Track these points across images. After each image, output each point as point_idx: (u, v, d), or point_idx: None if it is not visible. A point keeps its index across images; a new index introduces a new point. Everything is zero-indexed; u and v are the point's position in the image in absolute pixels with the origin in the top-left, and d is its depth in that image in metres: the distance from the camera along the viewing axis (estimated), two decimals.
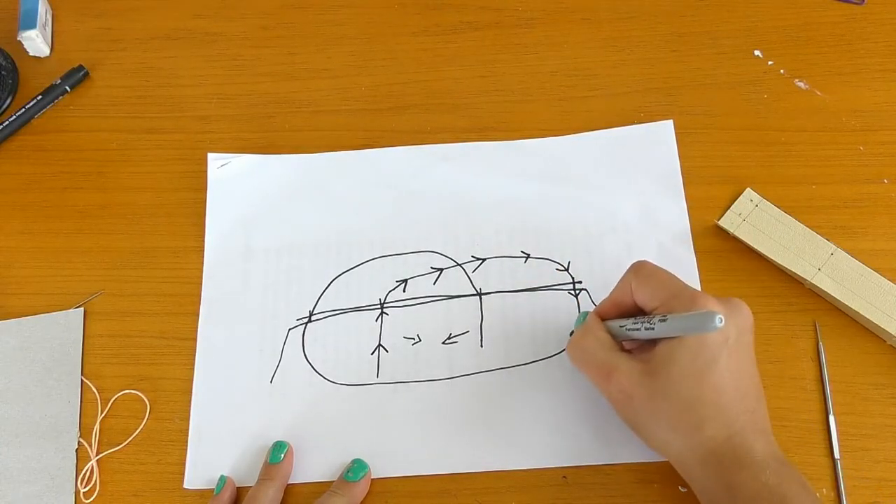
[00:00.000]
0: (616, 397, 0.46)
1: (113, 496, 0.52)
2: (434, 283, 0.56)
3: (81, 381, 0.55)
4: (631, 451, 0.50)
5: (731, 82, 0.61)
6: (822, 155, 0.58)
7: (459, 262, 0.57)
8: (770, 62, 0.62)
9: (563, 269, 0.56)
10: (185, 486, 0.52)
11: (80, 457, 0.53)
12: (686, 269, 0.55)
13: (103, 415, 0.54)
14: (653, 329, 0.44)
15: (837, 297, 0.52)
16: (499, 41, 0.65)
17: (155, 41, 0.67)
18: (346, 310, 0.56)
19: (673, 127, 0.60)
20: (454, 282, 0.56)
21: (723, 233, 0.56)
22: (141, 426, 0.54)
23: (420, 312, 0.56)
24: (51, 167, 0.63)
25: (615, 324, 0.48)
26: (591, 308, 0.54)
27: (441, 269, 0.57)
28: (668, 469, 0.48)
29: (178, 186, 0.61)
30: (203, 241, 0.59)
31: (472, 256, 0.57)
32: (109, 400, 0.55)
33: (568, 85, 0.63)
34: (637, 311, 0.48)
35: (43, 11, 0.67)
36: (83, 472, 0.53)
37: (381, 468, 0.51)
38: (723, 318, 0.40)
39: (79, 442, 0.54)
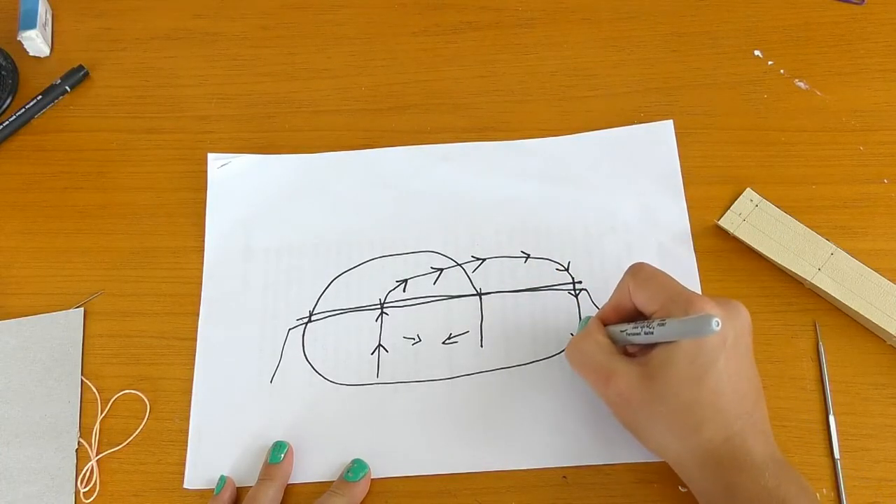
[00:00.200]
0: (614, 401, 0.46)
1: (113, 496, 0.52)
2: (434, 283, 0.56)
3: (81, 381, 0.55)
4: (631, 451, 0.50)
5: (731, 82, 0.61)
6: (822, 155, 0.58)
7: (459, 262, 0.57)
8: (770, 62, 0.62)
9: (563, 269, 0.56)
10: (185, 486, 0.52)
11: (80, 457, 0.53)
12: (686, 269, 0.55)
13: (103, 415, 0.54)
14: (652, 333, 0.44)
15: (837, 297, 0.52)
16: (499, 41, 0.65)
17: (155, 41, 0.67)
18: (346, 310, 0.56)
19: (673, 127, 0.60)
20: (454, 282, 0.56)
21: (723, 233, 0.56)
22: (141, 426, 0.54)
23: (420, 312, 0.56)
24: (51, 167, 0.63)
25: (616, 328, 0.48)
26: (592, 308, 0.55)
27: (441, 269, 0.57)
28: (667, 469, 0.48)
29: (178, 186, 0.61)
30: (203, 241, 0.59)
31: (472, 256, 0.57)
32: (109, 400, 0.55)
33: (568, 85, 0.63)
34: (638, 315, 0.48)
35: (43, 11, 0.67)
36: (83, 472, 0.53)
37: (381, 468, 0.51)
38: (719, 321, 0.40)
39: (79, 442, 0.54)
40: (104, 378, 0.55)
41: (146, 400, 0.55)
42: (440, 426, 0.52)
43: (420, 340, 0.55)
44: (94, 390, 0.55)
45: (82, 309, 0.57)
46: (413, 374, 0.54)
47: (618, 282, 0.48)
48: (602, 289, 0.55)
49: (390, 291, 0.56)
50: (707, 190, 0.58)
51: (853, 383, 0.52)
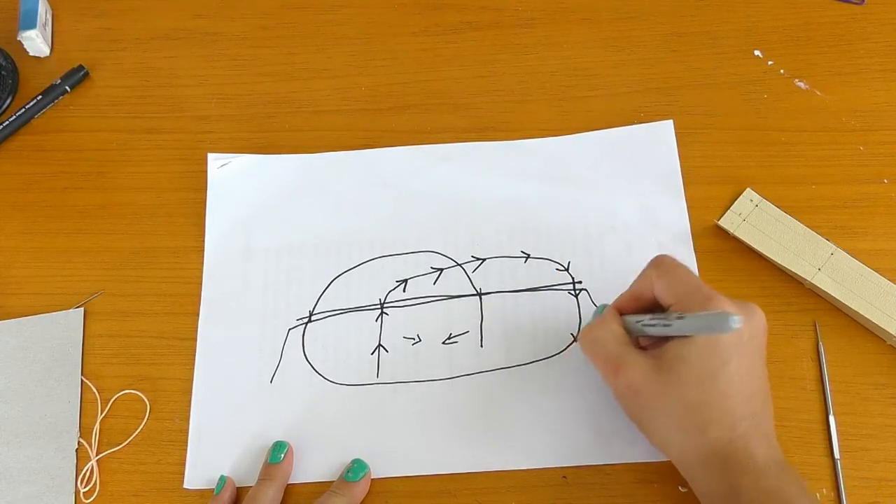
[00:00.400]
0: (623, 392, 0.46)
1: (113, 496, 0.52)
2: (434, 283, 0.56)
3: (81, 381, 0.55)
4: (631, 451, 0.50)
5: (731, 82, 0.61)
6: (822, 155, 0.58)
7: (459, 262, 0.57)
8: (770, 62, 0.62)
9: (563, 269, 0.56)
10: (185, 486, 0.52)
11: (80, 457, 0.53)
12: None
13: (103, 415, 0.54)
14: (670, 326, 0.44)
15: (837, 297, 0.52)
16: (499, 41, 0.65)
17: (155, 41, 0.67)
18: (346, 310, 0.56)
19: (673, 127, 0.60)
20: (454, 282, 0.56)
21: (723, 233, 0.56)
22: (141, 426, 0.54)
23: (420, 312, 0.56)
24: (51, 167, 0.63)
25: (632, 318, 0.47)
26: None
27: (441, 269, 0.57)
28: (667, 469, 0.48)
29: (178, 186, 0.61)
30: (203, 241, 0.59)
31: (472, 256, 0.57)
32: (109, 400, 0.55)
33: (568, 85, 0.63)
34: (655, 307, 0.47)
35: (43, 11, 0.67)
36: (83, 472, 0.53)
37: (381, 468, 0.51)
38: (740, 319, 0.40)
39: (79, 442, 0.54)
40: (104, 378, 0.55)
41: (146, 400, 0.55)
42: (440, 426, 0.52)
43: (420, 340, 0.55)
44: (94, 390, 0.55)
45: (82, 309, 0.57)
46: (413, 374, 0.54)
47: (620, 280, 0.48)
48: (602, 289, 0.55)
49: (390, 291, 0.56)
50: (707, 190, 0.58)
51: (853, 383, 0.52)
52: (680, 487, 0.49)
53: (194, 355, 0.55)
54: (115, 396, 0.55)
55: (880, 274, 0.53)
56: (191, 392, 0.54)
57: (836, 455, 0.50)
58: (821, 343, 0.53)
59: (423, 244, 0.58)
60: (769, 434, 0.45)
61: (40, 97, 0.64)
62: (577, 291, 0.55)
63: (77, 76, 0.65)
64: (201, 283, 0.58)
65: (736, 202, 0.56)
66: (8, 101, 0.65)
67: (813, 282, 0.53)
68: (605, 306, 0.50)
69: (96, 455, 0.53)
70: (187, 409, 0.54)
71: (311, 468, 0.52)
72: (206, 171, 0.61)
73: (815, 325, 0.53)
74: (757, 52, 0.62)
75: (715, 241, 0.56)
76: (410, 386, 0.54)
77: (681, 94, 0.61)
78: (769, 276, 0.55)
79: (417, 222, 0.58)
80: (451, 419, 0.52)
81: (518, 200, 0.58)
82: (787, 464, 0.44)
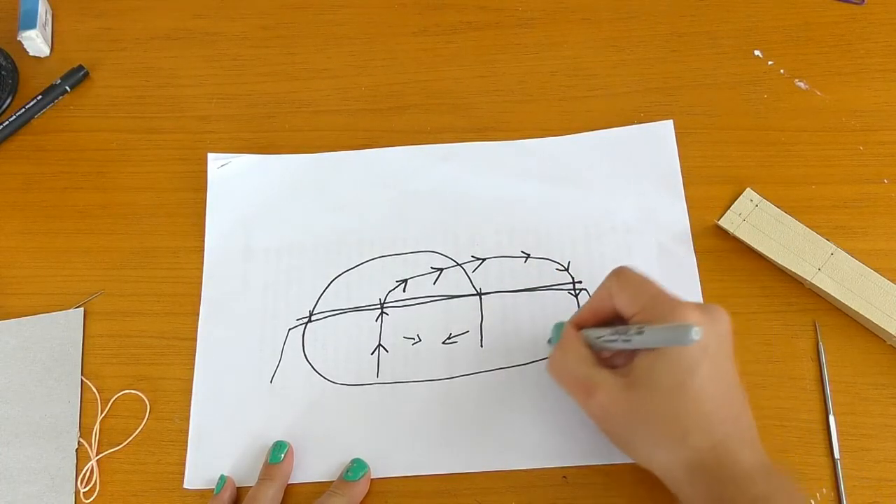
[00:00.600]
0: (598, 414, 0.46)
1: (113, 496, 0.52)
2: (434, 283, 0.56)
3: (81, 381, 0.55)
4: None
5: (731, 82, 0.61)
6: (822, 155, 0.58)
7: (459, 262, 0.57)
8: (770, 62, 0.62)
9: (563, 269, 0.56)
10: (185, 486, 0.52)
11: (80, 457, 0.53)
12: (686, 269, 0.55)
13: (103, 415, 0.54)
14: (630, 341, 0.44)
15: (837, 297, 0.52)
16: (499, 41, 0.65)
17: (155, 41, 0.67)
18: (346, 310, 0.56)
19: (673, 127, 0.60)
20: (454, 282, 0.56)
21: (723, 233, 0.56)
22: (141, 426, 0.54)
23: (420, 312, 0.56)
24: (51, 167, 0.63)
25: (593, 334, 0.47)
26: (581, 306, 0.54)
27: (441, 269, 0.57)
28: None
29: (178, 186, 0.61)
30: (203, 241, 0.59)
31: (472, 256, 0.57)
32: (109, 400, 0.55)
33: (568, 85, 0.63)
34: (616, 318, 0.47)
35: (43, 11, 0.67)
36: (83, 472, 0.53)
37: (381, 468, 0.51)
38: (699, 330, 0.39)
39: (79, 442, 0.54)
40: (104, 378, 0.55)
41: (146, 400, 0.55)
42: (440, 426, 0.52)
43: (420, 340, 0.55)
44: (94, 390, 0.55)
45: (82, 309, 0.57)
46: (413, 373, 0.54)
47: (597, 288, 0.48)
48: None
49: (390, 291, 0.56)
50: (707, 190, 0.58)
51: (853, 383, 0.52)
52: None
53: (194, 355, 0.55)
54: (115, 396, 0.55)
55: (880, 274, 0.53)
56: (191, 392, 0.54)
57: (836, 455, 0.50)
58: (821, 343, 0.53)
59: (423, 244, 0.58)
60: (753, 439, 0.44)
61: (40, 97, 0.64)
62: (577, 291, 0.55)
63: (77, 76, 0.65)
64: (201, 283, 0.58)
65: (736, 202, 0.57)
66: (8, 101, 0.65)
67: (813, 282, 0.53)
68: (562, 324, 0.50)
69: (96, 455, 0.53)
70: (187, 409, 0.54)
71: (311, 468, 0.52)
72: (206, 171, 0.61)
73: (815, 325, 0.53)
74: (757, 52, 0.62)
75: (715, 241, 0.56)
76: (410, 386, 0.54)
77: (681, 94, 0.61)
78: (769, 276, 0.55)
79: (417, 222, 0.58)
80: (451, 419, 0.52)
81: (518, 200, 0.58)
82: (774, 468, 0.43)
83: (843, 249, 0.54)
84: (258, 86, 0.65)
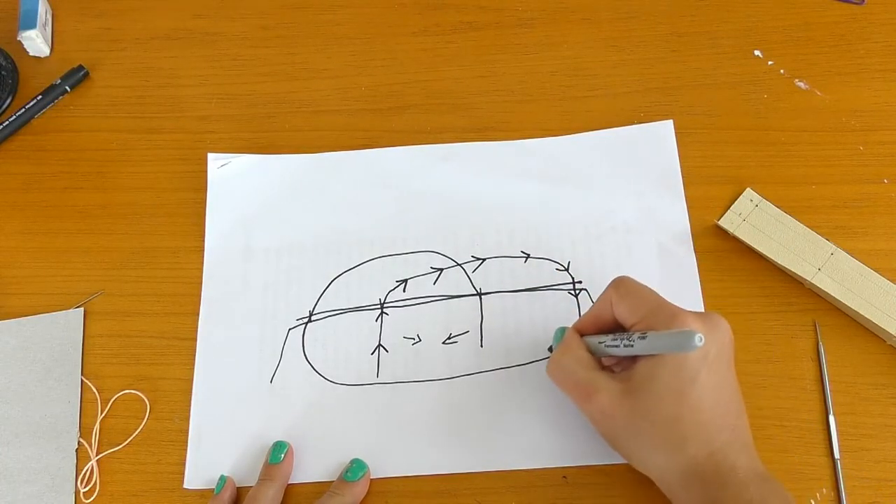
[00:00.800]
0: (597, 417, 0.46)
1: (113, 496, 0.52)
2: (434, 283, 0.56)
3: (81, 381, 0.55)
4: None
5: (731, 82, 0.61)
6: (822, 155, 0.58)
7: (459, 262, 0.57)
8: (770, 62, 0.62)
9: (563, 269, 0.56)
10: (185, 486, 0.52)
11: (80, 457, 0.53)
12: (686, 269, 0.55)
13: (103, 415, 0.54)
14: (632, 346, 0.44)
15: (837, 297, 0.52)
16: (499, 41, 0.65)
17: (155, 41, 0.67)
18: (346, 310, 0.56)
19: (673, 127, 0.60)
20: (454, 282, 0.56)
21: (723, 233, 0.56)
22: (141, 426, 0.54)
23: (420, 312, 0.56)
24: (51, 167, 0.63)
25: (594, 340, 0.47)
26: (583, 314, 0.54)
27: (441, 269, 0.57)
28: None
29: (178, 186, 0.61)
30: (203, 241, 0.59)
31: (472, 256, 0.57)
32: (109, 400, 0.55)
33: (568, 85, 0.63)
34: (617, 327, 0.47)
35: (43, 11, 0.67)
36: (83, 472, 0.53)
37: (381, 468, 0.51)
38: (702, 337, 0.40)
39: (79, 442, 0.54)
40: (104, 378, 0.55)
41: (146, 400, 0.55)
42: (440, 426, 0.52)
43: (420, 340, 0.55)
44: (94, 390, 0.55)
45: (82, 309, 0.57)
46: (413, 374, 0.54)
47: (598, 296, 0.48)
48: (602, 289, 0.54)
49: (390, 291, 0.56)
50: (707, 190, 0.58)
51: (853, 383, 0.52)
52: None
53: (194, 355, 0.55)
54: (115, 396, 0.55)
55: (880, 274, 0.53)
56: (191, 392, 0.54)
57: (836, 455, 0.50)
58: (821, 343, 0.53)
59: (423, 244, 0.58)
60: (749, 446, 0.44)
61: (40, 97, 0.64)
62: (577, 291, 0.55)
63: (77, 76, 0.65)
64: (201, 283, 0.58)
65: (736, 202, 0.57)
66: (8, 101, 0.65)
67: (813, 282, 0.53)
68: (564, 329, 0.50)
69: (96, 455, 0.53)
70: (187, 409, 0.54)
71: (311, 468, 0.52)
72: (206, 171, 0.61)
73: (815, 325, 0.53)
74: (757, 52, 0.62)
75: (715, 241, 0.56)
76: (410, 386, 0.54)
77: (681, 94, 0.61)
78: (769, 276, 0.55)
79: (417, 222, 0.58)
80: (450, 419, 0.52)
81: (518, 200, 0.58)
82: (768, 475, 0.43)
83: (843, 249, 0.54)
84: (258, 86, 0.65)
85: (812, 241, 0.55)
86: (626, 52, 0.63)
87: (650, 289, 0.47)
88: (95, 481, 0.53)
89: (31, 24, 0.65)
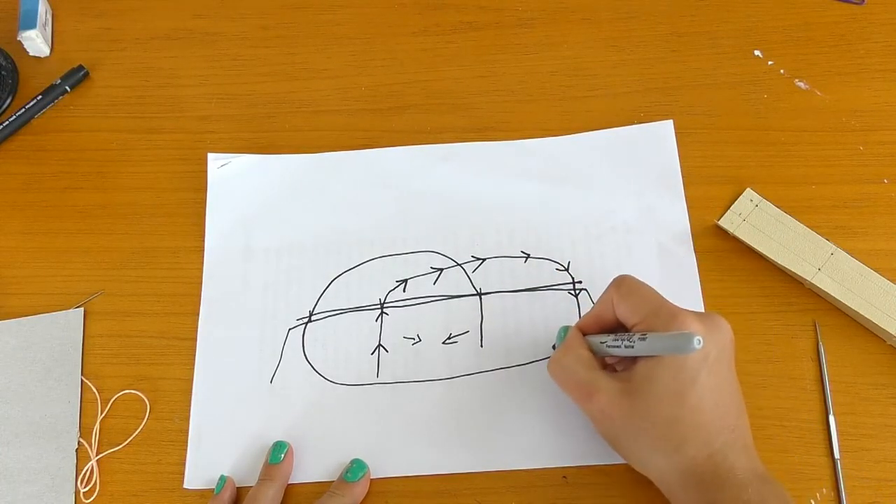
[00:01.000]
0: (597, 417, 0.46)
1: (113, 496, 0.52)
2: (434, 283, 0.56)
3: (81, 381, 0.55)
4: None
5: (731, 82, 0.61)
6: (822, 155, 0.58)
7: (459, 262, 0.57)
8: (770, 62, 0.62)
9: (563, 269, 0.56)
10: (185, 486, 0.52)
11: (80, 457, 0.53)
12: (686, 269, 0.55)
13: (103, 415, 0.54)
14: (632, 347, 0.44)
15: (837, 297, 0.52)
16: (499, 41, 0.65)
17: (155, 41, 0.67)
18: (346, 310, 0.56)
19: (673, 127, 0.60)
20: (454, 282, 0.56)
21: (723, 233, 0.56)
22: (141, 426, 0.54)
23: (420, 312, 0.56)
24: (51, 167, 0.63)
25: (596, 339, 0.48)
26: (585, 313, 0.54)
27: (441, 269, 0.57)
28: None
29: (178, 186, 0.61)
30: (203, 241, 0.59)
31: (472, 256, 0.57)
32: (109, 400, 0.55)
33: (568, 85, 0.63)
34: (619, 326, 0.47)
35: (43, 11, 0.67)
36: (83, 472, 0.53)
37: (381, 468, 0.51)
38: (701, 339, 0.40)
39: (79, 442, 0.54)
40: (104, 378, 0.55)
41: (146, 400, 0.55)
42: (440, 426, 0.52)
43: (420, 340, 0.55)
44: (94, 390, 0.55)
45: (82, 309, 0.57)
46: (413, 374, 0.54)
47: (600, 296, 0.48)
48: (602, 289, 0.54)
49: (390, 291, 0.56)
50: (707, 190, 0.58)
51: (853, 383, 0.52)
52: None
53: (194, 355, 0.55)
54: (115, 396, 0.55)
55: (880, 274, 0.53)
56: (191, 392, 0.54)
57: (836, 455, 0.50)
58: (821, 343, 0.53)
59: (423, 244, 0.58)
60: (748, 447, 0.44)
61: (40, 97, 0.64)
62: (577, 291, 0.55)
63: (77, 76, 0.65)
64: (201, 283, 0.58)
65: (736, 202, 0.57)
66: (8, 101, 0.65)
67: (813, 282, 0.53)
68: (567, 328, 0.50)
69: (96, 455, 0.53)
70: (187, 409, 0.54)
71: (311, 468, 0.52)
72: (206, 171, 0.61)
73: (815, 325, 0.53)
74: (757, 52, 0.63)
75: (715, 241, 0.56)
76: (410, 386, 0.54)
77: (681, 94, 0.61)
78: (769, 276, 0.55)
79: (417, 222, 0.58)
80: (450, 419, 0.52)
81: (518, 200, 0.58)
82: (768, 476, 0.43)
83: (843, 249, 0.54)
84: (258, 86, 0.65)
85: (812, 241, 0.55)
86: (626, 52, 0.63)
87: (651, 288, 0.47)
88: (95, 481, 0.53)
89: (31, 24, 0.65)
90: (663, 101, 0.61)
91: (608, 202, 0.58)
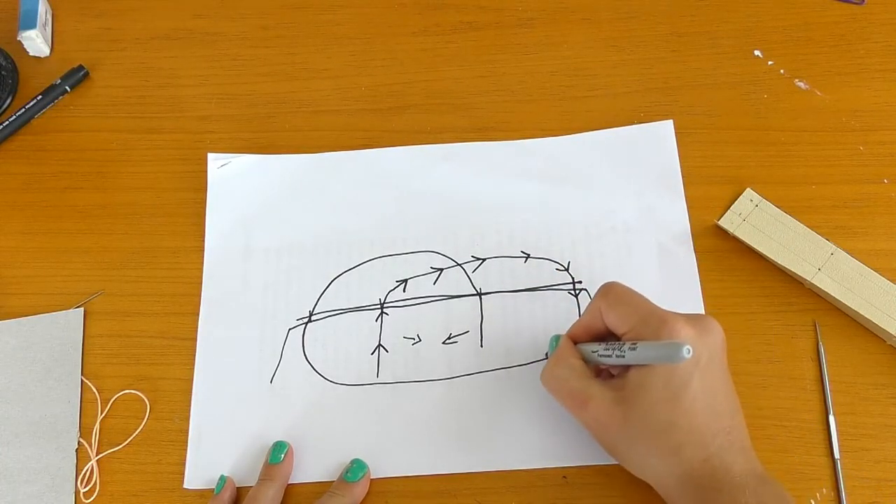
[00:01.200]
0: (592, 425, 0.46)
1: (113, 496, 0.52)
2: (434, 283, 0.56)
3: (81, 381, 0.55)
4: None
5: (731, 82, 0.61)
6: (822, 155, 0.58)
7: (459, 262, 0.57)
8: (770, 62, 0.62)
9: (563, 269, 0.56)
10: (185, 486, 0.52)
11: (80, 457, 0.53)
12: (686, 269, 0.55)
13: (103, 415, 0.54)
14: (623, 357, 0.44)
15: (837, 297, 0.52)
16: (499, 41, 0.65)
17: (155, 41, 0.67)
18: (346, 310, 0.56)
19: (673, 127, 0.60)
20: (454, 282, 0.56)
21: (723, 233, 0.56)
22: (141, 426, 0.54)
23: (420, 312, 0.56)
24: (51, 167, 0.63)
25: (587, 348, 0.48)
26: (575, 321, 0.54)
27: (441, 269, 0.57)
28: None
29: (178, 186, 0.61)
30: (203, 241, 0.59)
31: (472, 256, 0.57)
32: (109, 400, 0.55)
33: (568, 85, 0.63)
34: (609, 334, 0.47)
35: (43, 11, 0.67)
36: (83, 472, 0.53)
37: (381, 468, 0.51)
38: (690, 349, 0.40)
39: (79, 442, 0.54)
40: (104, 378, 0.55)
41: (146, 400, 0.55)
42: (440, 426, 0.52)
43: (420, 340, 0.55)
44: (94, 390, 0.55)
45: (82, 309, 0.57)
46: (413, 373, 0.54)
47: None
48: None
49: (390, 291, 0.56)
50: (707, 190, 0.58)
51: (853, 383, 0.52)
52: None
53: (194, 355, 0.55)
54: (115, 396, 0.55)
55: (880, 274, 0.53)
56: (191, 392, 0.54)
57: (836, 455, 0.50)
58: (821, 343, 0.53)
59: (423, 244, 0.58)
60: (746, 448, 0.44)
61: (40, 97, 0.64)
62: (577, 291, 0.55)
63: (77, 76, 0.65)
64: (201, 283, 0.58)
65: (736, 202, 0.57)
66: (8, 101, 0.65)
67: (813, 282, 0.53)
68: (558, 337, 0.50)
69: (96, 455, 0.53)
70: (187, 409, 0.54)
71: (311, 468, 0.52)
72: (206, 171, 0.61)
73: (815, 325, 0.53)
74: (757, 52, 0.63)
75: (715, 241, 0.56)
76: (410, 386, 0.54)
77: (681, 94, 0.61)
78: (769, 276, 0.55)
79: (417, 222, 0.58)
80: (450, 419, 0.52)
81: (518, 200, 0.58)
82: (767, 477, 0.43)
83: (843, 249, 0.54)
84: (258, 86, 0.65)
85: (812, 241, 0.55)
86: (626, 52, 0.63)
87: (639, 294, 0.46)
88: (95, 481, 0.53)
89: (31, 24, 0.65)
90: (663, 101, 0.61)
91: (608, 202, 0.58)
